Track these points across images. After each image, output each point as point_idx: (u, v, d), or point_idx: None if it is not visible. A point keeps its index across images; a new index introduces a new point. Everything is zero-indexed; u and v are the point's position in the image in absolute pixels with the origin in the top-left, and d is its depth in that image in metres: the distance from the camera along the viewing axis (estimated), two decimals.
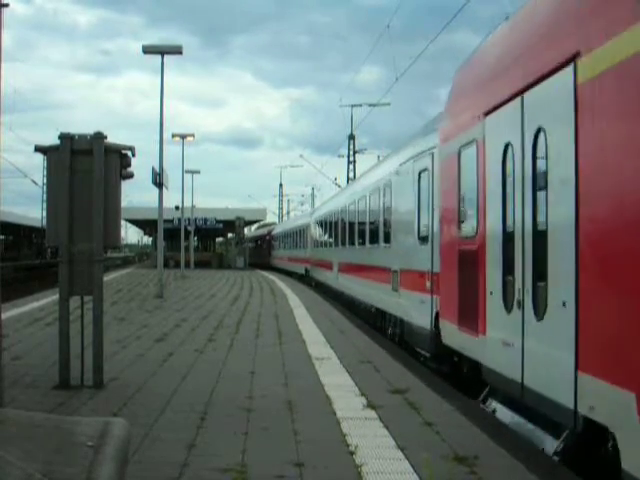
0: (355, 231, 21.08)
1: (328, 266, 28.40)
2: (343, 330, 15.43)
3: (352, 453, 6.18)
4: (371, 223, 18.47)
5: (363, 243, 19.50)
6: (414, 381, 9.56)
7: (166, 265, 38.05)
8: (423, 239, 12.38)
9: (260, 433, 6.81)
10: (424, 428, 7.08)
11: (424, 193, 12.31)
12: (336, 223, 25.96)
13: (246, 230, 73.59)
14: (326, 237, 30.35)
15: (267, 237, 67.41)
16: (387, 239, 15.76)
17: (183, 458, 5.98)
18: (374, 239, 17.61)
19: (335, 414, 7.60)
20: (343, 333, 14.89)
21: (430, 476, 5.45)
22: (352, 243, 21.56)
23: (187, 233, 46.90)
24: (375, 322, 17.57)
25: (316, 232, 35.22)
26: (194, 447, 6.32)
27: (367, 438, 6.64)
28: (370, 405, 7.98)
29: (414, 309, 12.74)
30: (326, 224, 30.04)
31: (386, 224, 15.99)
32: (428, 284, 11.67)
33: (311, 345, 12.78)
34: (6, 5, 7.43)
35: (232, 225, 60.82)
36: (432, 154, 11.67)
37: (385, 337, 15.45)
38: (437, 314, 10.76)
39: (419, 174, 12.68)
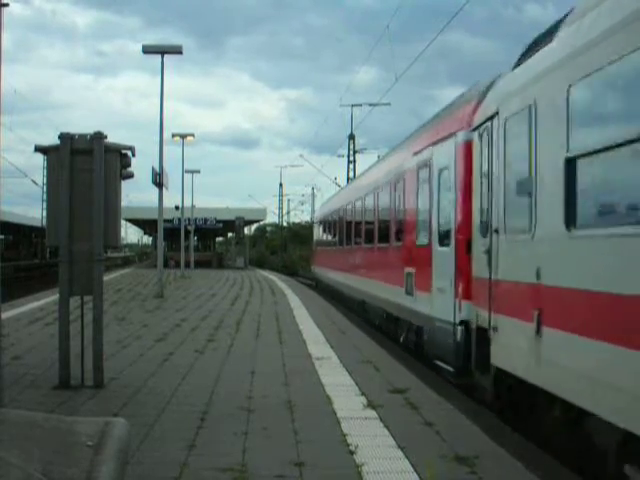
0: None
1: None
2: (343, 330, 15.44)
3: (352, 453, 6.18)
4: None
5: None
6: (414, 381, 9.56)
7: (166, 265, 38.06)
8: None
9: (260, 433, 6.82)
10: (424, 428, 7.08)
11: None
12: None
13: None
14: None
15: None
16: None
17: (183, 458, 5.98)
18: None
19: (335, 414, 7.60)
20: (343, 333, 14.89)
21: (431, 476, 5.45)
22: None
23: (187, 233, 46.88)
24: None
25: None
26: (194, 447, 6.32)
27: (367, 438, 6.65)
28: (370, 405, 7.99)
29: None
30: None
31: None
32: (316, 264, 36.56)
33: (311, 345, 12.78)
34: (6, 5, 7.44)
35: (232, 225, 60.82)
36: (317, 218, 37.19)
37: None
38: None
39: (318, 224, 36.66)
